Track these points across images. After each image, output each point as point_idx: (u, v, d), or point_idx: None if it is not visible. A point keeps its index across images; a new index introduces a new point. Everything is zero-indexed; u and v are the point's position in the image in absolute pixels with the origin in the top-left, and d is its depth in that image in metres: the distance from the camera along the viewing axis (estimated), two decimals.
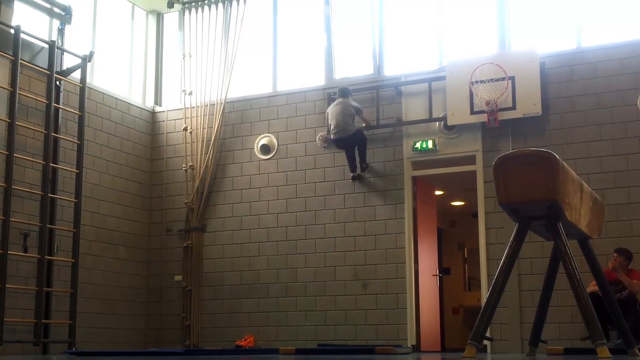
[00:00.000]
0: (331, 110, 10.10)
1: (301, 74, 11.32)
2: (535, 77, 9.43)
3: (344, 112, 9.94)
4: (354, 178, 10.29)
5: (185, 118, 11.49)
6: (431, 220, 11.05)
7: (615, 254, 8.38)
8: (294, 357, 7.99)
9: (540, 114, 9.38)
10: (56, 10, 10.24)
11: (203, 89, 11.41)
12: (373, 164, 10.29)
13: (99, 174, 10.76)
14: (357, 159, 10.23)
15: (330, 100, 10.62)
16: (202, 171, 11.17)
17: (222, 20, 11.52)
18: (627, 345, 5.46)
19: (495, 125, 9.52)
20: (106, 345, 10.36)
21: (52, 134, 9.71)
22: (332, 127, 10.04)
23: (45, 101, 9.71)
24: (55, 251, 9.71)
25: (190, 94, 11.50)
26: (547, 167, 4.48)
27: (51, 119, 9.69)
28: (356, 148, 10.18)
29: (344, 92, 10.15)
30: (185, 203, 11.27)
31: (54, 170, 9.78)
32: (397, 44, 10.88)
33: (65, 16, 10.26)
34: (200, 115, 11.35)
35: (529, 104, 9.41)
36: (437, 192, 11.92)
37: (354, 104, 10.11)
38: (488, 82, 9.57)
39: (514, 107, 9.46)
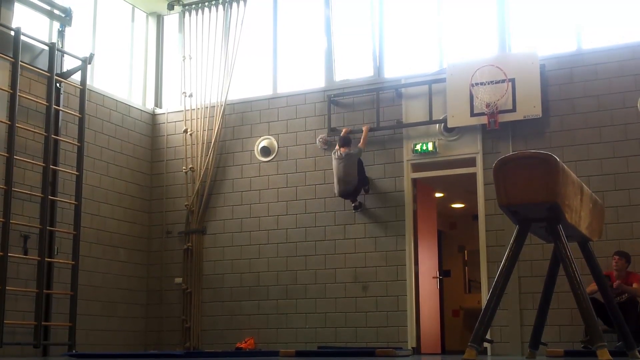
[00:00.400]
0: (335, 168, 9.95)
1: (301, 76, 11.31)
2: (536, 79, 9.43)
3: (348, 169, 9.80)
4: (355, 207, 10.21)
5: (186, 120, 11.48)
6: (431, 223, 11.05)
7: (616, 257, 8.37)
8: (294, 359, 7.98)
9: (540, 116, 9.37)
10: (56, 12, 10.25)
11: (203, 91, 11.40)
12: (373, 166, 10.29)
13: (99, 176, 10.75)
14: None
15: (330, 102, 10.63)
16: (202, 173, 11.17)
17: (222, 22, 11.51)
18: (628, 348, 5.45)
19: (495, 128, 9.51)
20: (106, 348, 10.36)
21: (52, 136, 9.70)
22: (336, 185, 9.95)
23: (45, 103, 9.70)
24: (56, 253, 9.71)
25: (191, 96, 11.50)
26: (547, 170, 4.48)
27: (51, 121, 9.68)
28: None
29: (345, 142, 10.00)
30: (186, 205, 11.27)
31: (54, 172, 9.77)
32: (397, 46, 10.88)
33: (65, 18, 10.26)
34: (201, 118, 11.35)
35: (529, 106, 9.40)
36: (437, 195, 11.91)
37: (354, 151, 9.94)
38: (488, 84, 9.56)
39: (514, 109, 9.45)
